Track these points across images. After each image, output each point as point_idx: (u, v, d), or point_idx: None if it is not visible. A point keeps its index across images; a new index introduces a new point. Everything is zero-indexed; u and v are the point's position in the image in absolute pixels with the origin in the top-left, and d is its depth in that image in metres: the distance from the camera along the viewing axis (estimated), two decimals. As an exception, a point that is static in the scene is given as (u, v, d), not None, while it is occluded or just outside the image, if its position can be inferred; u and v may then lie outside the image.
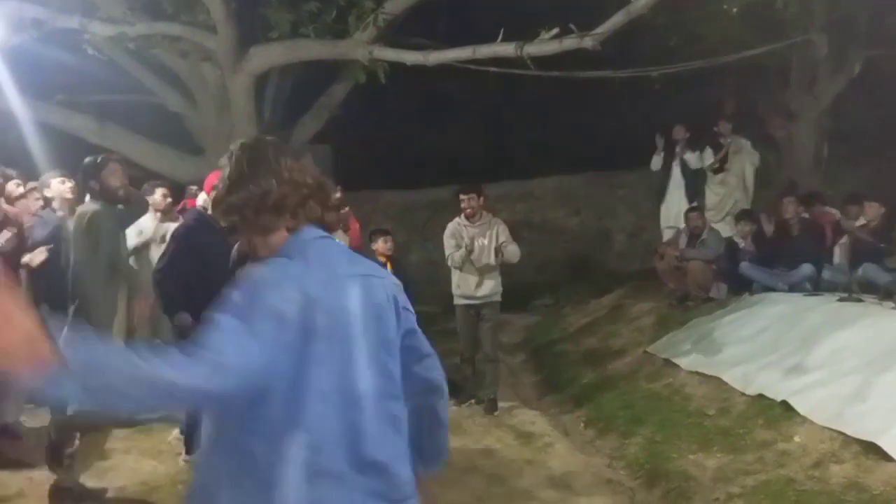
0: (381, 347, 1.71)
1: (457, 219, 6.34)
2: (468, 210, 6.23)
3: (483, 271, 6.21)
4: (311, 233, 1.72)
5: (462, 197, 6.26)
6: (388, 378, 1.71)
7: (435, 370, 1.90)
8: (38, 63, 7.83)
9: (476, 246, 6.18)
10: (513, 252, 6.20)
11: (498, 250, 6.15)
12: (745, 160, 8.86)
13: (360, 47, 7.71)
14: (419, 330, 1.86)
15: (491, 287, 6.24)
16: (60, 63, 8.16)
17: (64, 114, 8.55)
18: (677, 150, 8.90)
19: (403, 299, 1.82)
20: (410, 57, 7.57)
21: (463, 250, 6.14)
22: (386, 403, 1.69)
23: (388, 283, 1.80)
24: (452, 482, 4.67)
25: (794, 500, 3.97)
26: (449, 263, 6.33)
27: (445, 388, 1.92)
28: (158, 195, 6.12)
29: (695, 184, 8.92)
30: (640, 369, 6.70)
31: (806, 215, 7.58)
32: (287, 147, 1.81)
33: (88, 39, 7.71)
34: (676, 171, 8.99)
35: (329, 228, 1.77)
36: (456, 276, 6.33)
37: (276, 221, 1.68)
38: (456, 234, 6.27)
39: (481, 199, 6.29)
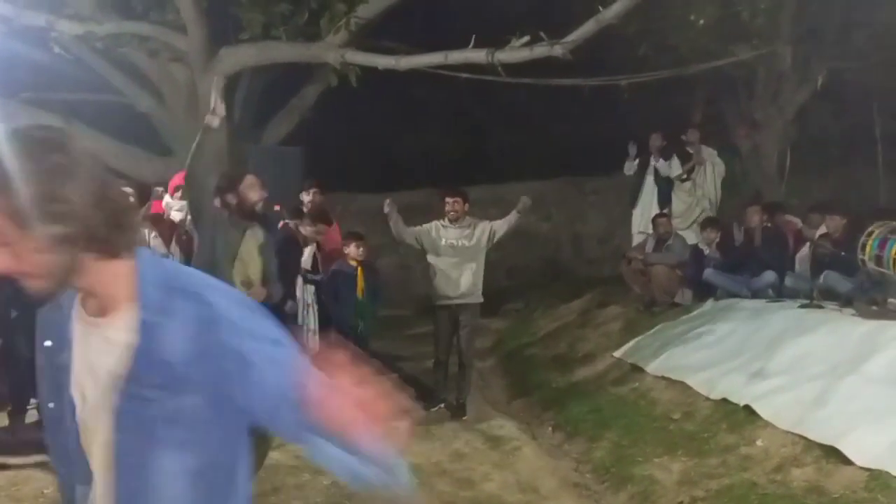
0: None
1: (439, 220, 6.36)
2: (451, 213, 6.27)
3: (459, 271, 6.23)
4: None
5: (448, 199, 6.30)
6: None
7: None
8: (4, 60, 7.70)
9: (452, 244, 6.20)
10: (510, 223, 6.29)
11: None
12: (712, 169, 9.01)
13: (332, 50, 7.70)
14: None
15: (467, 287, 6.21)
16: (27, 60, 8.03)
17: (30, 112, 8.40)
18: (652, 159, 9.00)
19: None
20: (382, 61, 7.59)
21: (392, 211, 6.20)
22: None
23: None
24: (421, 486, 4.68)
25: (756, 504, 4.04)
26: (393, 232, 6.34)
27: None
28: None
29: (667, 191, 9.05)
30: (607, 374, 6.77)
31: (769, 224, 7.72)
32: None
33: (56, 38, 7.60)
34: (650, 178, 9.10)
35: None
36: (434, 277, 6.34)
37: None
38: (429, 228, 6.29)
39: (466, 204, 6.32)
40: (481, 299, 6.35)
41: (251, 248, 4.44)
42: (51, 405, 1.45)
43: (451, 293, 6.24)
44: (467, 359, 6.37)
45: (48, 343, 1.43)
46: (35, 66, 8.21)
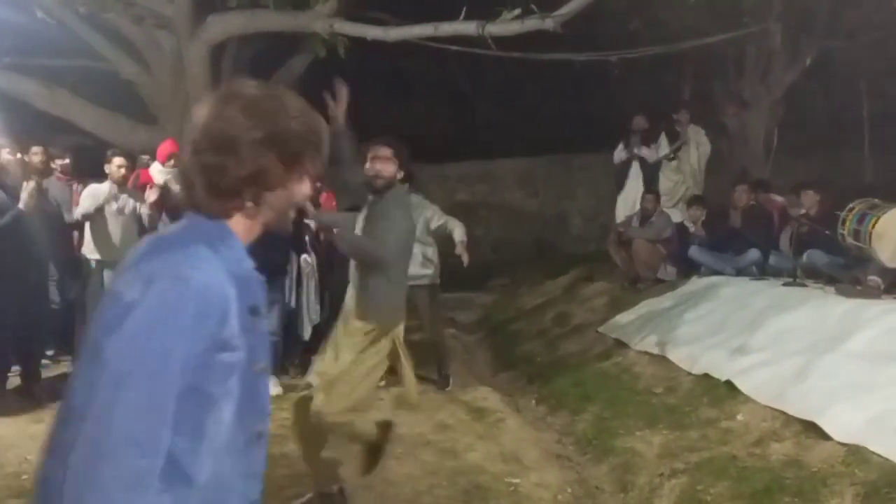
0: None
1: None
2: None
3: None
4: None
5: None
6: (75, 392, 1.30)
7: None
8: (-16, 24, 7.55)
9: None
10: (458, 228, 5.99)
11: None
12: (698, 148, 8.99)
13: (321, 20, 7.60)
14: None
15: (414, 270, 5.75)
16: (9, 24, 7.86)
17: (12, 78, 8.26)
18: (635, 149, 8.90)
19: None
20: (371, 32, 7.51)
21: None
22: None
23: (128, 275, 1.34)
24: (405, 456, 4.70)
25: (735, 477, 4.08)
26: None
27: None
28: (114, 166, 5.93)
29: (652, 173, 9.00)
30: (591, 348, 6.82)
31: (754, 202, 7.74)
32: None
33: (38, 1, 7.45)
34: (635, 162, 9.03)
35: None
36: None
37: None
38: None
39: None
40: (437, 280, 6.17)
41: None
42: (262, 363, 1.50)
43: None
44: (434, 335, 6.31)
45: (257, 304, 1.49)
46: (17, 30, 8.03)
